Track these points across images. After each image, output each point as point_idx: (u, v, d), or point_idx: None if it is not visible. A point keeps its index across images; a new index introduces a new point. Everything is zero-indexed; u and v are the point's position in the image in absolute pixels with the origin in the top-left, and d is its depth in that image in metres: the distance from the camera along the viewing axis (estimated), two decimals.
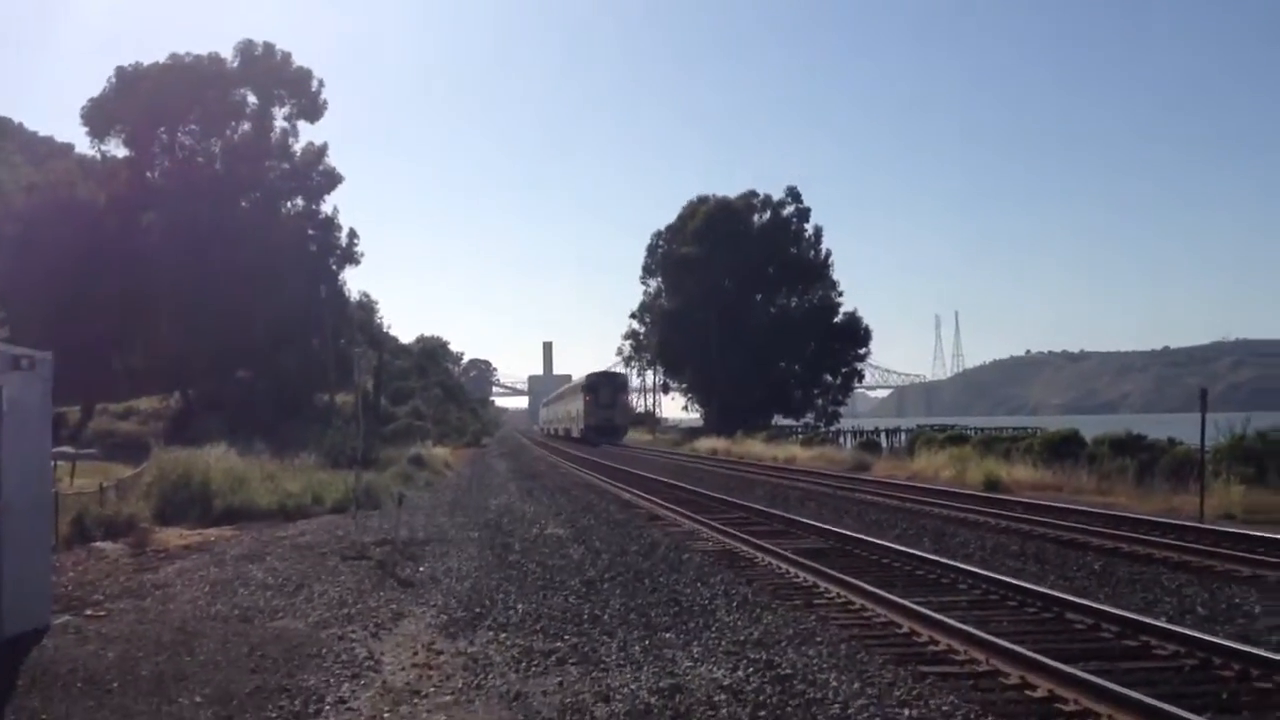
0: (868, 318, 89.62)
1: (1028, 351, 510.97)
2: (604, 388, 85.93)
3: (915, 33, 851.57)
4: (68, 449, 28.51)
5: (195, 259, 50.95)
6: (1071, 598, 11.10)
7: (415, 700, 7.88)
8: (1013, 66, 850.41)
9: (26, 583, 9.79)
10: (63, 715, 7.42)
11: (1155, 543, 16.07)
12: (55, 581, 11.89)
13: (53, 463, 15.38)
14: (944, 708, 7.40)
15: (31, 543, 10.02)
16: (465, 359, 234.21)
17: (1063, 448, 31.99)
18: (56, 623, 10.35)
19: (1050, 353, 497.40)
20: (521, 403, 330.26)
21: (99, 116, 56.68)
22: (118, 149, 58.00)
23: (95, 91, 57.02)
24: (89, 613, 11.19)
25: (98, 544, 16.95)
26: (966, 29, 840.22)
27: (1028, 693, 7.91)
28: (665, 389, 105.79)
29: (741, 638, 9.81)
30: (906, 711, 7.32)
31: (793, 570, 13.96)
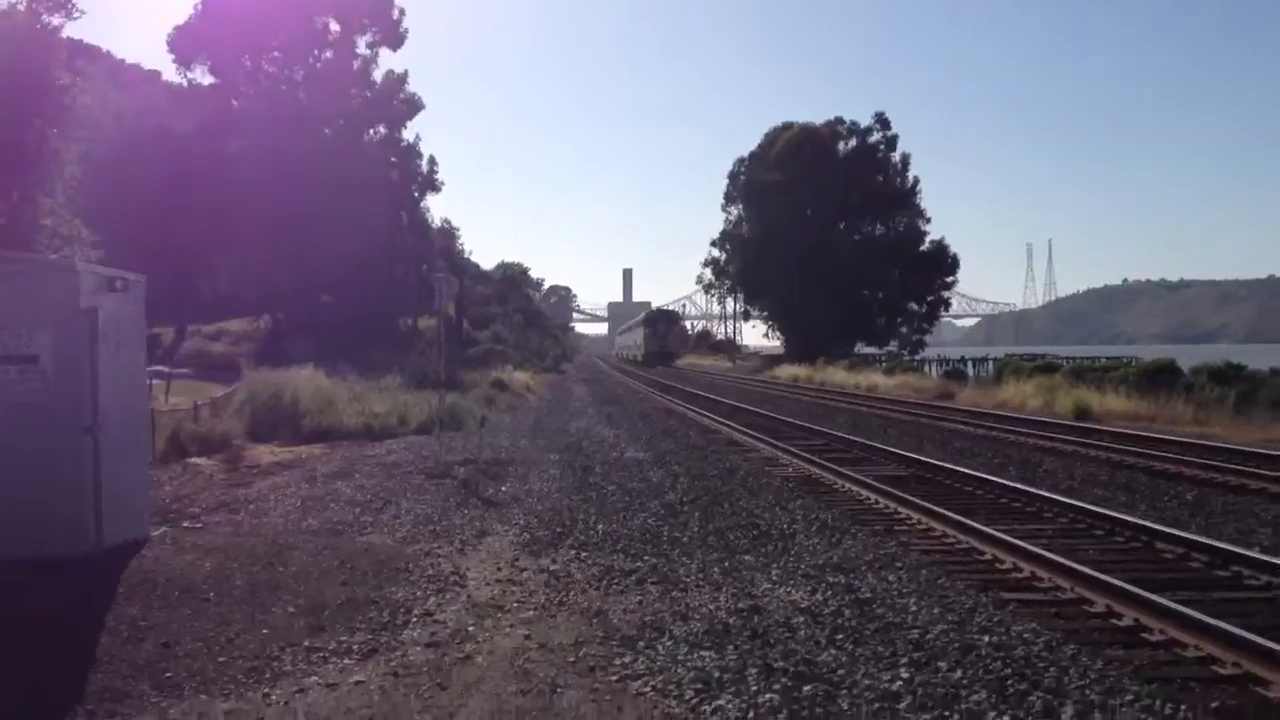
0: (956, 245, 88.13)
1: (1124, 280, 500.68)
2: (660, 322, 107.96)
3: None
4: (162, 368, 29.27)
5: (280, 186, 51.56)
6: (1161, 527, 10.92)
7: (499, 615, 8.02)
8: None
9: (125, 495, 10.10)
10: (162, 622, 7.67)
11: (1252, 473, 15.64)
12: (153, 495, 12.27)
13: (148, 381, 15.83)
14: (1025, 634, 7.33)
15: (129, 457, 10.33)
16: (545, 285, 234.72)
17: (1158, 377, 31.33)
18: (155, 534, 10.69)
19: (1148, 281, 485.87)
20: (601, 329, 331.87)
21: (185, 44, 57.24)
22: (203, 76, 58.67)
23: (180, 20, 57.68)
24: (185, 525, 11.55)
25: (193, 460, 17.47)
26: None
27: (1113, 621, 7.81)
28: (746, 316, 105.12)
29: (820, 562, 9.82)
30: (987, 638, 7.26)
31: (873, 496, 13.90)
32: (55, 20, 21.42)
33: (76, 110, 23.25)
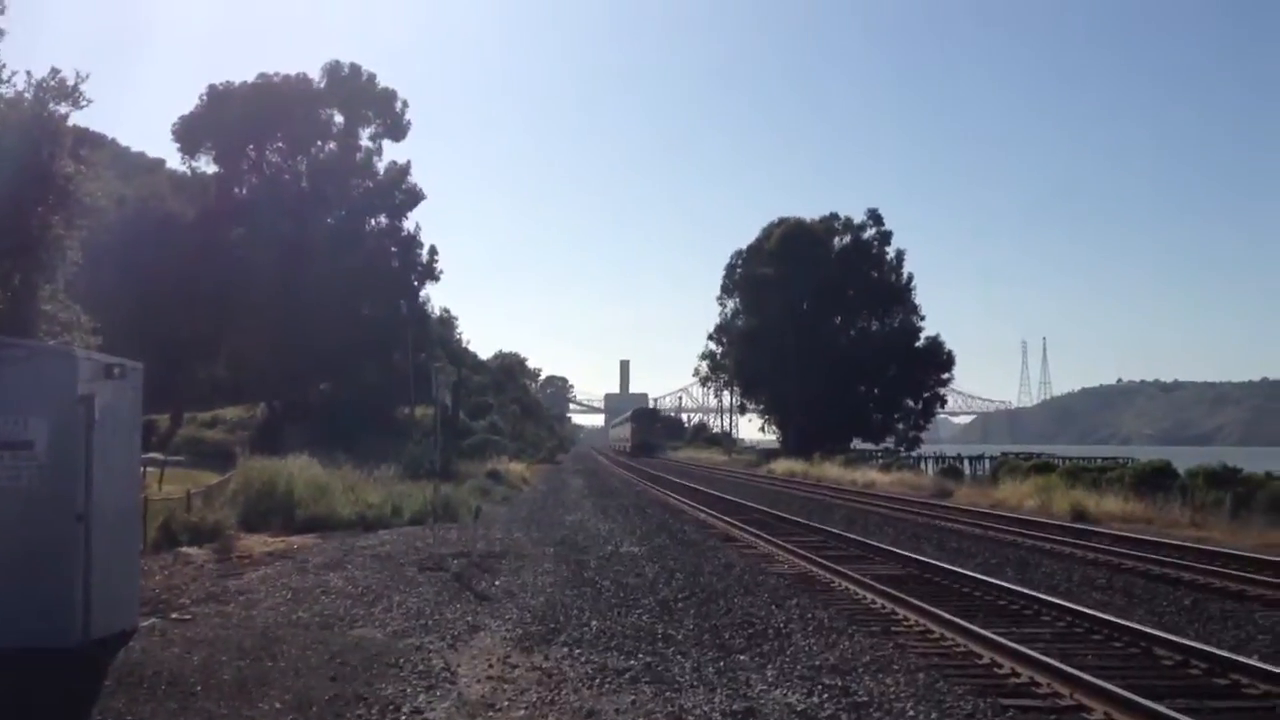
0: (951, 342, 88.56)
1: (1119, 380, 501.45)
2: (644, 418, 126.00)
3: (996, 55, 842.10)
4: (157, 455, 29.14)
5: (281, 274, 52.00)
6: (1160, 633, 10.83)
7: (490, 713, 7.91)
8: (1098, 87, 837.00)
9: (115, 585, 10.00)
10: (147, 716, 7.55)
11: (1249, 579, 15.56)
12: (143, 585, 12.14)
13: (142, 469, 15.77)
14: None
15: (121, 546, 10.24)
16: (542, 376, 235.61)
17: (1154, 479, 31.24)
18: (143, 625, 10.56)
19: (1142, 381, 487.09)
20: (598, 420, 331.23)
21: (190, 133, 58.11)
22: (207, 165, 59.41)
23: (185, 109, 58.63)
24: (175, 616, 11.41)
25: (184, 549, 17.31)
26: (1044, 48, 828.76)
27: None
28: (742, 409, 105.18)
29: (817, 663, 9.72)
30: None
31: (870, 596, 13.79)
32: (62, 109, 21.78)
33: (80, 198, 23.51)
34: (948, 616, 11.61)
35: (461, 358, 78.76)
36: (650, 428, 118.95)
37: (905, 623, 12.02)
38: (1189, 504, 27.14)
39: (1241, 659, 9.60)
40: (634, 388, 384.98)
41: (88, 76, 21.87)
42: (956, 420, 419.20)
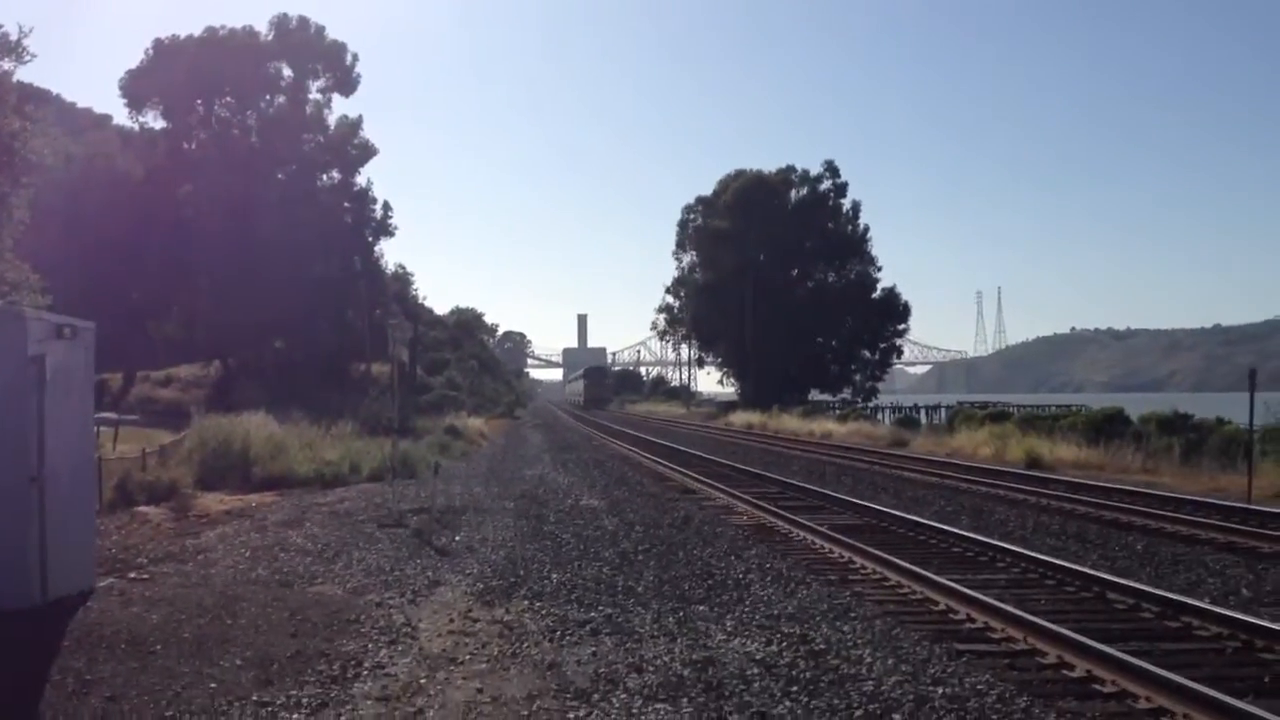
0: (908, 293, 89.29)
1: (1072, 329, 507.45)
2: (594, 374, 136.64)
3: (951, 8, 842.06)
4: (110, 415, 28.80)
5: (232, 230, 51.27)
6: (1113, 577, 11.04)
7: (451, 667, 7.93)
8: (1056, 37, 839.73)
9: (71, 546, 9.91)
10: (107, 676, 7.52)
11: (1200, 523, 15.92)
12: (99, 545, 12.05)
13: (96, 429, 15.59)
14: (979, 686, 7.37)
15: (75, 507, 10.15)
16: (500, 331, 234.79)
17: (1107, 426, 31.74)
18: (101, 585, 10.49)
19: (1096, 330, 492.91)
20: (556, 375, 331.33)
21: (137, 89, 56.94)
22: (155, 121, 58.30)
23: (131, 64, 57.46)
24: (132, 576, 11.34)
25: (141, 508, 17.17)
26: (1005, 4, 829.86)
27: (1065, 672, 7.85)
28: (700, 363, 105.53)
29: (775, 612, 9.82)
30: (941, 689, 7.29)
31: (828, 546, 13.94)
32: (5, 65, 21.30)
33: (26, 155, 23.02)
34: (904, 564, 11.76)
35: (418, 314, 78.13)
36: (601, 383, 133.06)
37: (862, 571, 12.17)
38: (1141, 450, 27.59)
39: (1193, 601, 9.81)
40: (592, 341, 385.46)
41: (31, 31, 21.44)
42: (913, 370, 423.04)
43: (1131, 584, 10.68)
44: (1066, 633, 8.42)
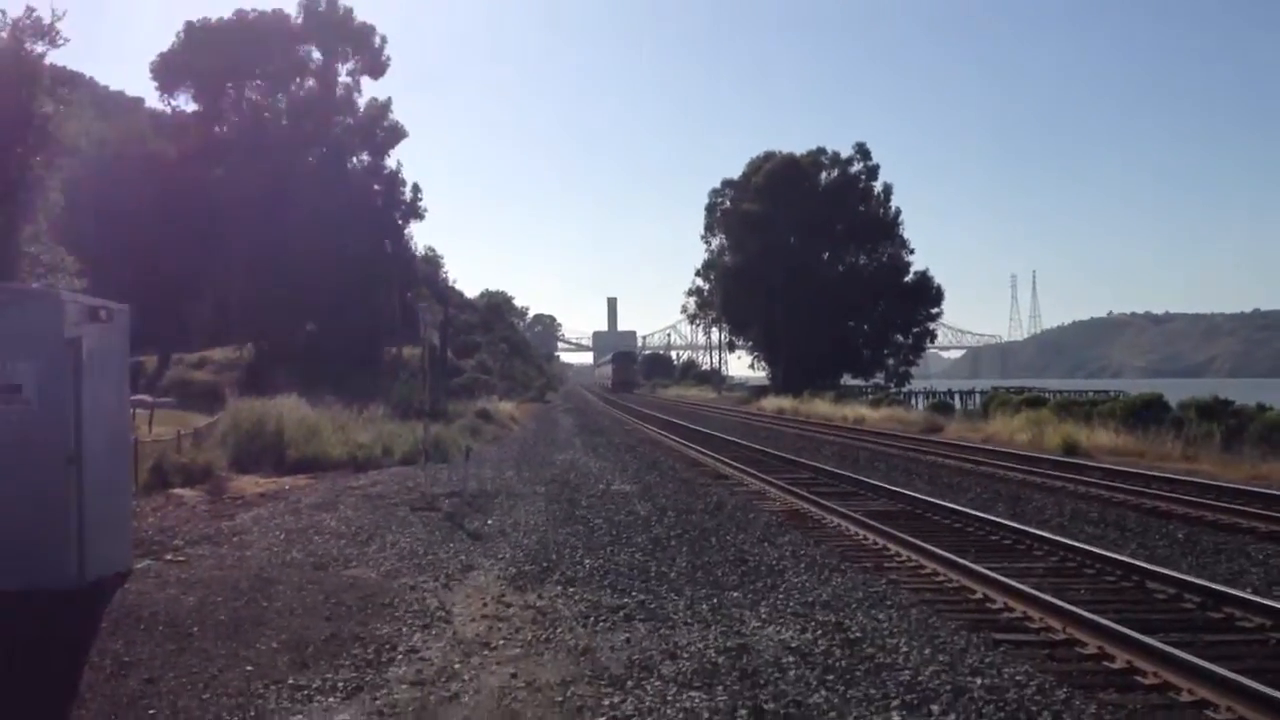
0: (941, 277, 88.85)
1: (1109, 313, 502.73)
2: (622, 360, 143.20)
3: None
4: (145, 397, 29.02)
5: (263, 213, 51.48)
6: (1153, 566, 10.89)
7: (485, 651, 7.91)
8: (1091, 20, 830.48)
9: (108, 528, 9.98)
10: (145, 657, 7.55)
11: (1242, 511, 15.65)
12: (136, 527, 12.14)
13: (131, 411, 15.69)
14: (1018, 677, 7.26)
15: (113, 488, 10.21)
16: (530, 314, 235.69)
17: (1145, 412, 31.39)
18: (138, 567, 10.56)
19: (1133, 314, 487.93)
20: (586, 358, 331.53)
21: (168, 71, 57.27)
22: (187, 104, 58.66)
23: (162, 47, 57.79)
24: (169, 558, 11.41)
25: (176, 491, 17.30)
26: None
27: (1105, 664, 7.73)
28: (731, 347, 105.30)
29: (810, 599, 9.74)
30: (979, 680, 7.19)
31: (862, 533, 13.84)
32: (39, 48, 21.42)
33: (60, 138, 23.18)
34: (940, 552, 11.65)
35: (448, 296, 78.36)
36: (629, 368, 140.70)
37: (898, 559, 12.07)
38: (1181, 437, 27.22)
39: (1235, 592, 9.64)
40: (622, 325, 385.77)
41: (64, 14, 21.53)
42: (946, 355, 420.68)
43: (1172, 573, 10.52)
44: (1107, 623, 8.30)
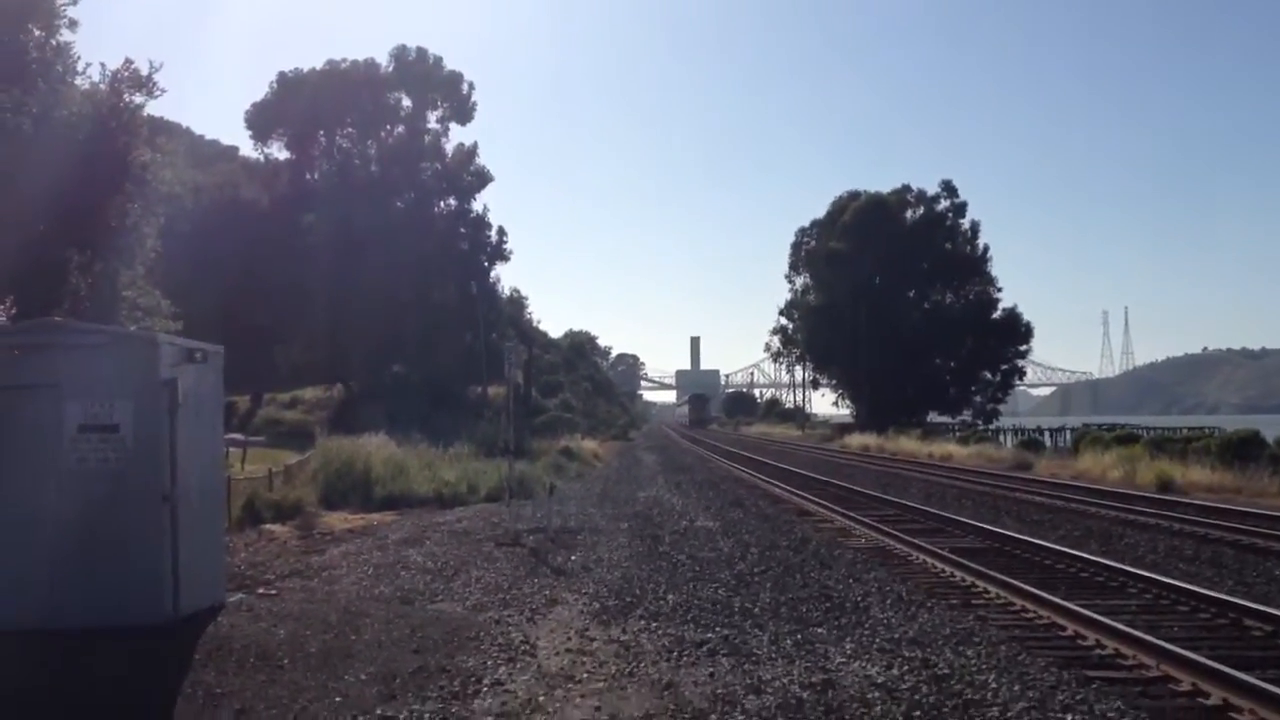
0: (1030, 313, 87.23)
1: (1204, 349, 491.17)
2: (697, 401, 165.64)
3: (1080, 22, 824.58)
4: (238, 436, 29.72)
5: (353, 257, 52.66)
6: (1250, 604, 10.57)
7: (569, 685, 7.95)
8: (1188, 53, 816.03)
9: (202, 562, 10.20)
10: (236, 689, 7.71)
11: None
12: (229, 562, 12.41)
13: (225, 449, 16.09)
14: (1110, 714, 7.11)
15: (206, 524, 10.45)
16: (614, 354, 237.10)
17: (1242, 449, 30.55)
18: (230, 600, 10.77)
19: (1228, 349, 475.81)
20: (669, 397, 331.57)
21: (261, 120, 59.08)
22: (279, 152, 60.43)
23: (255, 96, 59.64)
24: (260, 591, 11.64)
25: (267, 526, 17.68)
26: (1135, 17, 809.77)
27: (1200, 700, 7.55)
28: (815, 384, 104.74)
29: (896, 635, 9.63)
30: (1070, 716, 7.06)
31: (949, 569, 13.64)
32: (137, 99, 22.11)
33: (156, 185, 23.90)
34: (1029, 589, 11.44)
35: (532, 337, 79.15)
36: (702, 408, 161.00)
37: (986, 595, 11.87)
38: (1279, 473, 26.44)
39: None
40: (705, 364, 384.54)
41: (161, 66, 22.20)
42: (1036, 392, 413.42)
43: (1270, 610, 10.20)
44: (1201, 659, 8.10)
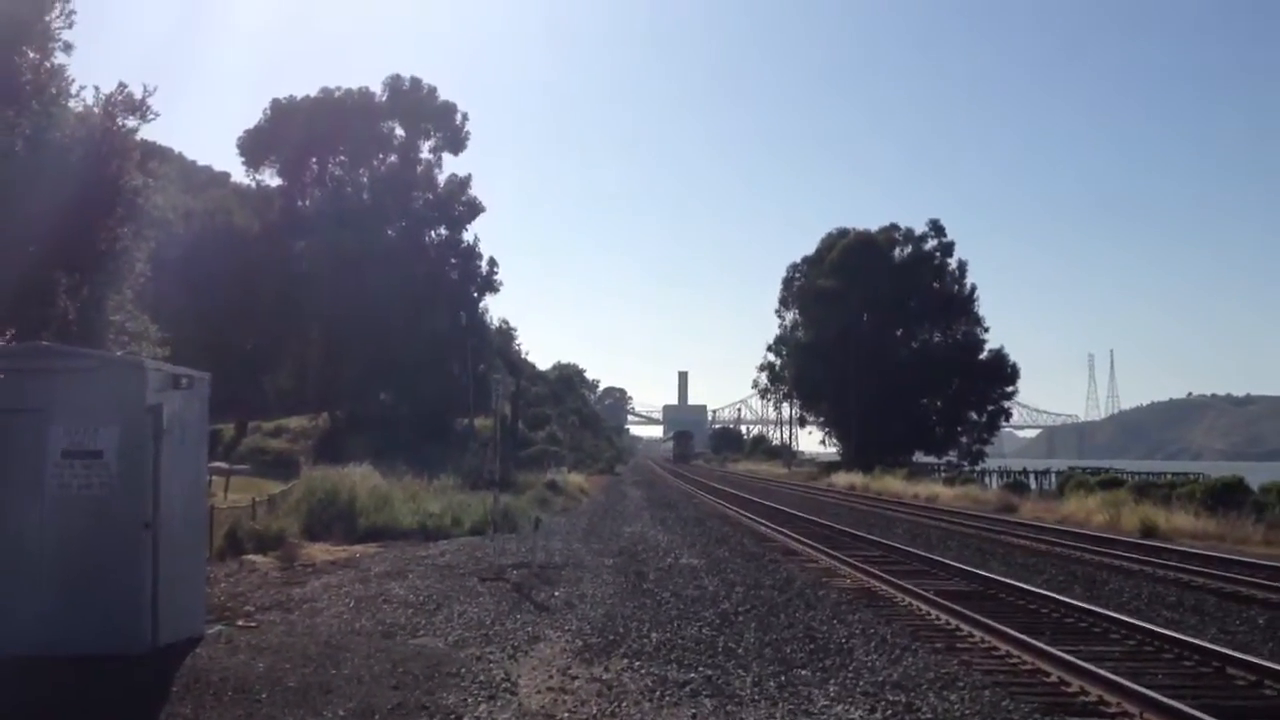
0: (1016, 355, 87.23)
1: (1189, 394, 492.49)
2: (681, 438, 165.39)
3: (1062, 53, 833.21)
4: (222, 464, 29.63)
5: (343, 285, 52.67)
6: (1233, 653, 10.54)
7: None
8: (1170, 86, 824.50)
9: (182, 592, 10.13)
10: None
11: None
12: (209, 592, 12.31)
13: (208, 477, 16.00)
14: None
15: (188, 554, 10.39)
16: (601, 387, 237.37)
17: (1226, 495, 30.58)
18: (210, 632, 10.69)
19: (1213, 395, 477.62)
20: (656, 431, 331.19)
21: (254, 147, 59.17)
22: (271, 178, 60.50)
23: (248, 123, 59.75)
24: (240, 623, 11.54)
25: (249, 556, 17.55)
26: (1114, 50, 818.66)
27: None
28: (802, 422, 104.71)
29: (880, 678, 9.58)
30: None
31: (934, 612, 13.59)
32: (130, 123, 22.08)
33: (147, 210, 23.84)
34: (1014, 634, 11.39)
35: (520, 369, 79.24)
36: (686, 444, 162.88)
37: (970, 639, 11.82)
38: (1262, 521, 26.49)
39: None
40: (693, 398, 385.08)
41: (155, 90, 22.18)
42: (1021, 434, 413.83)
43: (1253, 659, 10.17)
44: (1185, 708, 8.06)
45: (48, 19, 20.75)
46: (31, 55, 20.64)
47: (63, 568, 9.47)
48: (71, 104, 21.99)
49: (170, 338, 27.71)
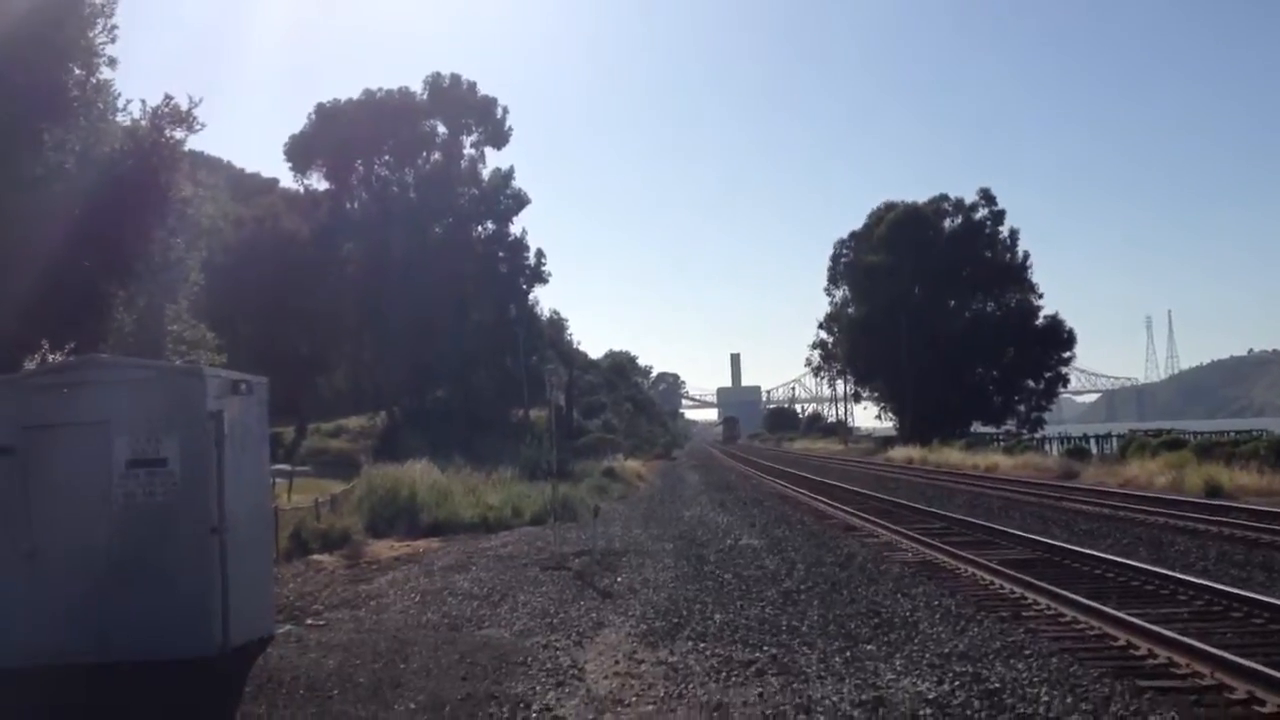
0: (1073, 320, 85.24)
1: (1250, 351, 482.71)
2: (729, 422, 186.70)
3: (1117, 27, 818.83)
4: (284, 467, 29.95)
5: (393, 284, 53.16)
6: None
7: (618, 709, 7.94)
8: (1227, 52, 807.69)
9: (251, 594, 10.31)
10: None
11: None
12: (277, 593, 12.52)
13: (271, 480, 16.23)
14: None
15: (255, 556, 10.56)
16: (654, 373, 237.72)
17: None
18: (279, 632, 10.87)
19: (1275, 351, 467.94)
20: (711, 414, 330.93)
21: (301, 152, 59.80)
22: (318, 182, 61.12)
23: (295, 128, 60.34)
24: (309, 622, 11.72)
25: (315, 556, 17.79)
26: (1174, 21, 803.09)
27: (1256, 709, 7.43)
28: (857, 398, 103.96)
29: (946, 650, 9.55)
30: None
31: (998, 581, 13.50)
32: (178, 134, 22.37)
33: (199, 219, 24.21)
34: (1080, 599, 11.31)
35: (573, 358, 79.44)
36: (734, 427, 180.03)
37: (1036, 607, 11.74)
38: None
39: None
40: (746, 380, 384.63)
41: (201, 100, 22.45)
42: (1080, 399, 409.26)
43: None
44: (1257, 667, 7.97)
45: (91, 35, 21.04)
46: (77, 72, 20.96)
47: (133, 575, 9.66)
48: (119, 118, 22.34)
49: (226, 343, 28.16)
